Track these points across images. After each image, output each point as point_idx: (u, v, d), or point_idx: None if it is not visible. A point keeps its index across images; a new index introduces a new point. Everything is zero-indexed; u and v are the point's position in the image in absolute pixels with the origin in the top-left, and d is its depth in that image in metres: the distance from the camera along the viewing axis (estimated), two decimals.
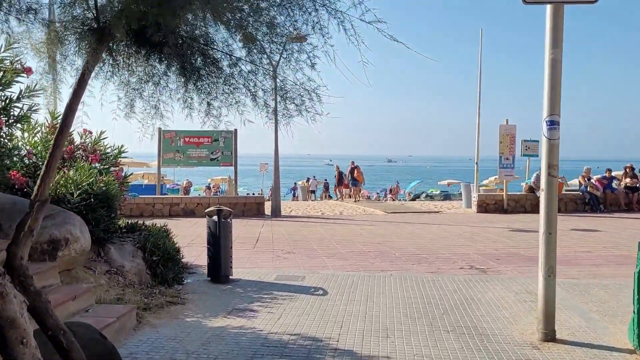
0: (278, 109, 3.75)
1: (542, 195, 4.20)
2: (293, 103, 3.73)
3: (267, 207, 14.32)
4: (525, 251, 8.28)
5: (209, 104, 3.67)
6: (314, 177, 37.02)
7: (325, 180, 36.09)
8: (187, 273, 6.61)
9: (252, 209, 13.65)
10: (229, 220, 6.27)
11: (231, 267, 6.33)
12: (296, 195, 35.20)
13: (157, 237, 6.18)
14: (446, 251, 8.30)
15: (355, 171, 21.74)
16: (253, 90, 3.71)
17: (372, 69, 3.89)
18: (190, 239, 9.34)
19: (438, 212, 15.23)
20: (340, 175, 24.16)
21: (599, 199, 14.62)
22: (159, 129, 14.10)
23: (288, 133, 3.84)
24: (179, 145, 14.23)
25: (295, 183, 41.05)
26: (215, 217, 6.17)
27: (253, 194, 37.19)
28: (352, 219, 13.32)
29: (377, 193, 42.64)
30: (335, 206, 18.39)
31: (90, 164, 5.93)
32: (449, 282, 6.16)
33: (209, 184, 42.36)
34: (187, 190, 30.20)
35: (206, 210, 6.55)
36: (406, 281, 6.18)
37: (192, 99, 3.65)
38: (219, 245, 6.16)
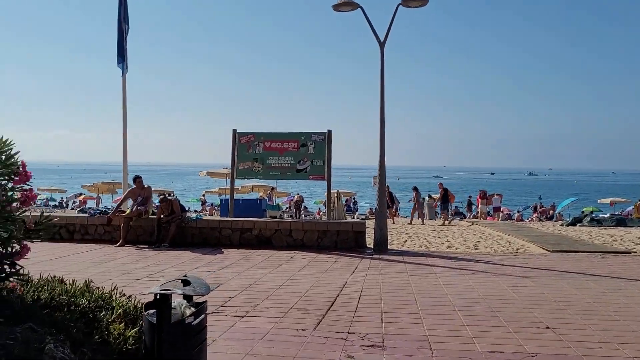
0: None
1: None
2: None
3: (372, 237, 10.48)
4: None
5: None
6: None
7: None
8: None
9: (348, 239, 9.92)
10: (188, 320, 2.60)
11: None
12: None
13: None
14: None
15: (447, 193, 20.94)
16: None
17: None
18: (234, 293, 5.83)
19: (628, 252, 10.25)
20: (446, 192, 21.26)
21: None
22: (234, 130, 11.02)
23: None
24: (258, 151, 10.99)
25: (423, 198, 36.62)
26: (152, 316, 2.55)
27: (372, 211, 33.41)
28: (492, 261, 9.01)
29: (519, 211, 36.67)
30: (468, 233, 14.03)
31: None
32: None
33: None
34: (298, 206, 27.27)
35: (140, 295, 2.99)
36: None
37: None
38: None
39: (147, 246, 9.76)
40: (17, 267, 3.40)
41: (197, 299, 2.76)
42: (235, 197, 21.87)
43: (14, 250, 3.23)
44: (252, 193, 32.02)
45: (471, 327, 4.86)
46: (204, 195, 43.93)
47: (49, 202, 44.61)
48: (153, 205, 10.63)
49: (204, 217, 10.59)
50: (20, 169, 3.34)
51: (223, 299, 5.81)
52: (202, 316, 2.65)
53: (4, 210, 3.01)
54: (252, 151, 10.97)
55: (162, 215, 9.99)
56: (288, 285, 6.65)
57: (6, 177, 3.29)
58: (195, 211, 28.47)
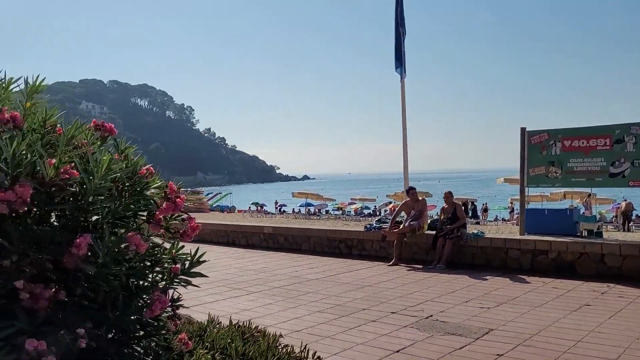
0: None
1: None
2: None
3: None
4: None
5: None
6: None
7: None
8: None
9: None
10: None
11: None
12: None
13: None
14: None
15: None
16: None
17: None
18: (504, 349, 4.26)
19: None
20: None
21: None
22: (522, 129, 9.11)
23: None
24: (555, 153, 8.74)
25: None
26: None
27: None
28: None
29: None
30: None
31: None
32: None
33: None
34: (627, 216, 22.22)
35: None
36: None
37: None
38: None
39: (421, 266, 8.69)
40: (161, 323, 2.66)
41: None
42: (540, 207, 19.11)
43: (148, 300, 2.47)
44: (564, 201, 28.07)
45: None
46: (512, 203, 41.08)
47: (363, 210, 48.38)
48: (429, 219, 9.54)
49: (487, 235, 8.92)
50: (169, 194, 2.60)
51: (486, 356, 4.25)
52: None
53: (117, 249, 2.25)
54: (546, 153, 8.80)
55: (442, 217, 8.87)
56: (590, 342, 4.62)
57: (144, 204, 2.58)
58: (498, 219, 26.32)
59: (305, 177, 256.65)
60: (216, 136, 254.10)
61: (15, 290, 2.03)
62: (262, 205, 53.23)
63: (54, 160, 2.26)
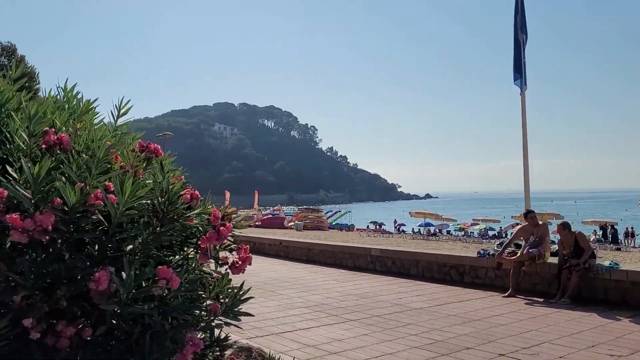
0: None
1: None
2: None
3: None
4: None
5: None
6: None
7: None
8: None
9: None
10: None
11: None
12: None
13: None
14: None
15: None
16: None
17: None
18: None
19: None
20: None
21: None
22: None
23: None
24: None
25: None
26: None
27: None
28: None
29: None
30: None
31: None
32: None
33: None
34: None
35: None
36: None
37: None
38: None
39: (542, 299, 7.72)
40: None
41: None
42: None
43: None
44: None
45: None
46: None
47: (488, 232, 45.83)
48: (551, 247, 8.48)
49: (624, 266, 7.67)
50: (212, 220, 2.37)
51: None
52: None
53: (145, 284, 2.02)
54: None
55: (564, 252, 7.80)
56: None
57: (189, 233, 2.37)
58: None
59: (428, 196, 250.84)
60: (338, 155, 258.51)
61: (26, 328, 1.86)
62: (380, 224, 52.69)
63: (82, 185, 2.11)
